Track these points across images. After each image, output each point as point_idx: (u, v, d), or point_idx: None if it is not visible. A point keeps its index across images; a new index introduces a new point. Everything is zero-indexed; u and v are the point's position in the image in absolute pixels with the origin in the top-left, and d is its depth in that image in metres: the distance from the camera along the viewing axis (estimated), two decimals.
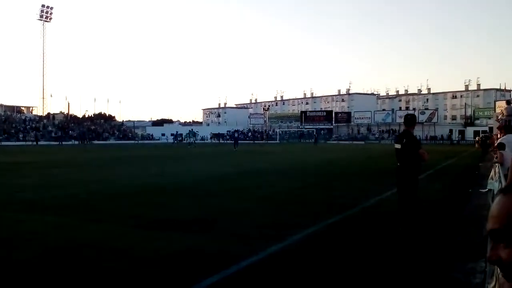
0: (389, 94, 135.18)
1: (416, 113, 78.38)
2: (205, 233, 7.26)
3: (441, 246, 6.47)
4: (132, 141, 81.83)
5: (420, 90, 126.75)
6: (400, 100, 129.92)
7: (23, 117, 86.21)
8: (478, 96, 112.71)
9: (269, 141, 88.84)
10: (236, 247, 6.26)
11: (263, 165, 22.82)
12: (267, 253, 5.97)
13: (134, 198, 11.03)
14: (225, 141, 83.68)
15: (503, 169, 7.84)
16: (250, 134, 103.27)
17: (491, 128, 60.49)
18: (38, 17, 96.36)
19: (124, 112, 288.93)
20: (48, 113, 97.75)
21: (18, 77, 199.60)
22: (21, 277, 5.01)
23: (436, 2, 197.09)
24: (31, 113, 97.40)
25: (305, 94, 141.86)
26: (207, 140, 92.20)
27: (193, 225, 7.83)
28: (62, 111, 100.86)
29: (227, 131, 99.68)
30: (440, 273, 5.27)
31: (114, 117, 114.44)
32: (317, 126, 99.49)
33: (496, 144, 9.47)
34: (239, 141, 53.15)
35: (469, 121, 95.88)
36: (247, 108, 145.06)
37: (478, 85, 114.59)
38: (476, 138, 58.32)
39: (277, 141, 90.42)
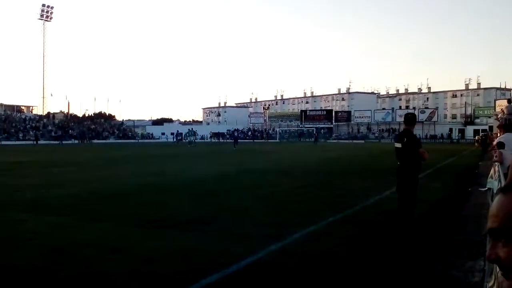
0: (389, 93, 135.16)
1: (416, 112, 78.41)
2: (205, 232, 7.27)
3: (440, 245, 6.47)
4: (132, 140, 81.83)
5: (420, 89, 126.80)
6: (400, 99, 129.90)
7: (23, 117, 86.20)
8: (478, 95, 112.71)
9: (269, 140, 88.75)
10: (236, 246, 6.27)
11: (263, 164, 22.82)
12: (267, 252, 5.98)
13: (134, 197, 11.04)
14: (225, 140, 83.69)
15: (502, 168, 7.84)
16: (250, 133, 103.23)
17: (491, 127, 60.42)
18: (39, 16, 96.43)
19: (124, 111, 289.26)
20: (48, 113, 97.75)
21: (18, 76, 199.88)
22: (22, 277, 5.02)
23: (436, 1, 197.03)
24: (31, 112, 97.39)
25: (305, 93, 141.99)
26: (207, 139, 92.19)
27: (193, 224, 7.84)
28: (62, 111, 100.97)
29: (227, 130, 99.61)
30: (439, 272, 5.27)
31: (114, 116, 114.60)
32: (317, 125, 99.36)
33: (495, 143, 9.47)
34: (239, 140, 53.12)
35: (469, 120, 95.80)
36: (247, 107, 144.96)
37: (478, 84, 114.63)
38: (476, 137, 58.30)
39: (277, 140, 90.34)
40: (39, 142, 66.14)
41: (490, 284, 3.24)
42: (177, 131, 71.95)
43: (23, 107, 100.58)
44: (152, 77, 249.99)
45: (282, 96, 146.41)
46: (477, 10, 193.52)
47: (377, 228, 7.65)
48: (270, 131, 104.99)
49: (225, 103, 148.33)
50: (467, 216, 8.78)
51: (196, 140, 63.08)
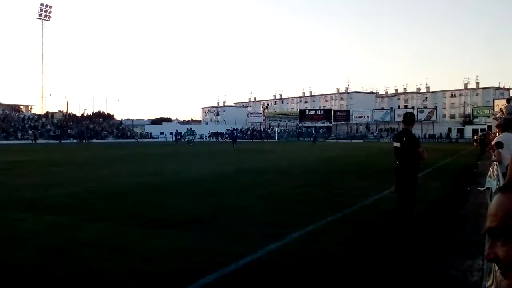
0: (388, 92, 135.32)
1: (415, 112, 78.38)
2: (204, 231, 7.27)
3: (439, 244, 6.48)
4: (131, 140, 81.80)
5: (419, 89, 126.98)
6: (399, 99, 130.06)
7: (21, 116, 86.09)
8: (477, 94, 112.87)
9: (268, 140, 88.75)
10: (235, 246, 6.27)
11: (262, 164, 22.82)
12: (267, 251, 5.98)
13: (133, 196, 11.03)
14: (224, 140, 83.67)
15: (501, 168, 7.86)
16: (249, 132, 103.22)
17: (489, 127, 60.56)
18: (37, 16, 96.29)
19: (123, 110, 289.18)
20: (47, 112, 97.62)
21: (17, 75, 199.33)
22: (21, 276, 5.01)
23: (435, 1, 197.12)
24: (30, 111, 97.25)
25: (304, 92, 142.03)
26: (205, 139, 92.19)
27: (192, 223, 7.84)
28: (61, 110, 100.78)
29: (226, 129, 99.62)
30: (438, 271, 5.28)
31: (113, 115, 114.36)
32: (316, 125, 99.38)
33: (493, 143, 9.49)
34: (237, 140, 53.13)
35: (468, 119, 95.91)
36: (246, 106, 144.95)
37: (477, 83, 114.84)
38: (475, 136, 58.39)
39: (276, 140, 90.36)
40: (37, 141, 66.12)
41: (489, 283, 3.25)
42: (177, 130, 71.94)
43: (21, 107, 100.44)
44: (151, 76, 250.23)
45: (281, 95, 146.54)
46: (476, 10, 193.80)
47: (376, 227, 7.66)
48: (269, 130, 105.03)
49: (224, 102, 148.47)
50: (466, 215, 8.79)
51: (195, 140, 63.13)
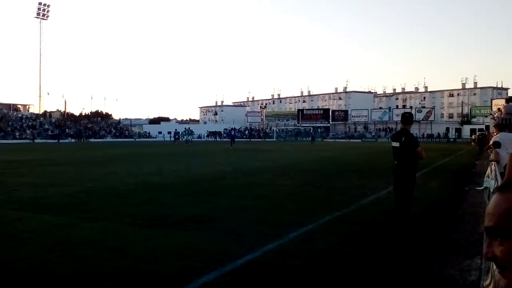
0: (386, 92, 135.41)
1: (413, 111, 78.42)
2: (202, 231, 7.28)
3: (437, 244, 6.49)
4: (130, 139, 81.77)
5: (417, 88, 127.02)
6: (397, 99, 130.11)
7: (19, 115, 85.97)
8: (475, 94, 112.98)
9: (266, 139, 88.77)
10: (234, 245, 6.27)
11: (260, 163, 22.83)
12: (265, 251, 5.99)
13: (131, 196, 11.02)
14: (221, 139, 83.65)
15: (499, 167, 7.88)
16: (247, 132, 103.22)
17: (487, 126, 60.58)
18: (35, 15, 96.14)
19: (121, 110, 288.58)
20: (45, 111, 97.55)
21: (14, 75, 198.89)
22: (20, 276, 5.01)
23: (434, 0, 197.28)
24: (28, 111, 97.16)
25: (302, 92, 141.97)
26: (203, 138, 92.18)
27: (191, 223, 7.84)
28: (59, 109, 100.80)
29: (224, 129, 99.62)
30: (436, 271, 5.29)
31: (111, 115, 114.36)
32: (314, 124, 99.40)
33: (491, 143, 9.51)
34: (235, 139, 53.13)
35: (466, 119, 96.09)
36: (244, 106, 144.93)
37: (475, 83, 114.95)
38: (473, 136, 58.48)
39: (274, 139, 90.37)
40: (35, 140, 66.05)
41: (487, 282, 3.27)
42: (175, 130, 71.89)
43: (19, 106, 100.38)
44: (149, 75, 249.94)
45: (279, 95, 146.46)
46: (474, 10, 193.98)
47: (374, 227, 7.67)
48: (267, 130, 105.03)
49: (222, 102, 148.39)
50: (464, 215, 8.80)
51: (193, 139, 63.15)
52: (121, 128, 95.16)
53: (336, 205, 9.75)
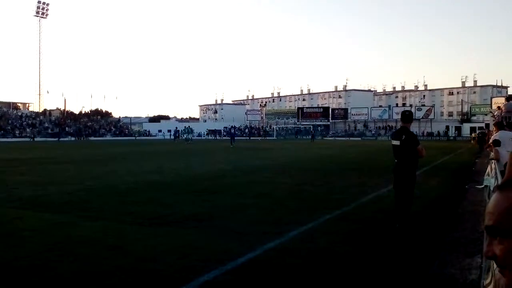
0: (386, 90, 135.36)
1: (413, 110, 78.47)
2: (202, 229, 7.27)
3: (437, 242, 6.50)
4: (130, 138, 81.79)
5: (417, 87, 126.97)
6: (396, 97, 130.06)
7: (19, 114, 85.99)
8: (474, 92, 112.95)
9: (266, 138, 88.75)
10: (234, 244, 6.27)
11: (260, 162, 22.83)
12: (265, 249, 5.99)
13: (131, 194, 11.03)
14: (221, 138, 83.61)
15: (499, 166, 7.89)
16: (247, 130, 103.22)
17: (487, 125, 60.62)
18: (34, 13, 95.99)
19: (120, 108, 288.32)
20: (45, 110, 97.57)
21: (14, 73, 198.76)
22: (20, 274, 5.01)
23: None
24: (28, 109, 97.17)
25: (302, 90, 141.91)
26: (203, 136, 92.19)
27: (191, 221, 7.84)
28: (59, 108, 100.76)
29: (224, 127, 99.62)
30: (436, 269, 5.30)
31: (110, 113, 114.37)
32: (314, 123, 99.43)
33: (491, 141, 9.51)
34: (235, 138, 53.14)
35: (466, 117, 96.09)
36: (244, 104, 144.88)
37: (475, 81, 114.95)
38: (472, 134, 58.50)
39: (274, 138, 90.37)
40: (35, 139, 66.05)
41: (487, 281, 3.27)
42: (176, 128, 71.96)
43: (19, 104, 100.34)
44: (149, 74, 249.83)
45: (279, 93, 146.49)
46: (473, 8, 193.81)
47: (374, 225, 7.67)
48: (267, 128, 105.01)
49: (222, 100, 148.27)
50: (464, 213, 8.80)
51: (192, 138, 63.18)
52: (121, 127, 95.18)
53: (336, 203, 9.75)
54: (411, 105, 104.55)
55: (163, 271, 5.08)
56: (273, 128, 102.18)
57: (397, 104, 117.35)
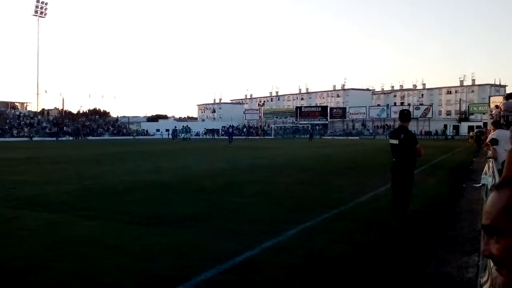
0: (384, 89, 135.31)
1: (411, 109, 78.64)
2: (200, 228, 7.26)
3: (434, 241, 6.50)
4: (128, 137, 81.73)
5: (415, 86, 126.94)
6: (395, 96, 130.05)
7: (17, 113, 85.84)
8: (472, 91, 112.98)
9: (265, 137, 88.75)
10: (231, 243, 6.27)
11: (258, 161, 22.83)
12: (262, 248, 5.99)
13: (129, 194, 11.01)
14: (219, 137, 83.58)
15: (497, 164, 7.89)
16: (245, 129, 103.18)
17: (485, 124, 60.69)
18: (33, 12, 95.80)
19: (118, 108, 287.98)
20: (43, 109, 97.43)
21: (12, 72, 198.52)
22: (17, 274, 5.00)
23: None
24: (26, 109, 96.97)
25: (300, 89, 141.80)
26: (201, 135, 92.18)
27: (189, 220, 7.83)
28: (57, 107, 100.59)
29: (222, 126, 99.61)
30: (433, 268, 5.30)
31: (108, 112, 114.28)
32: (312, 122, 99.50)
33: (488, 140, 9.53)
34: (233, 137, 53.15)
35: (464, 116, 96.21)
36: (242, 103, 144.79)
37: (473, 80, 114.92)
38: (470, 133, 58.57)
39: (272, 137, 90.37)
40: (33, 138, 65.96)
41: (484, 279, 3.27)
42: (175, 127, 71.97)
43: (17, 104, 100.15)
44: (147, 73, 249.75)
45: (277, 92, 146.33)
46: (472, 7, 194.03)
47: (372, 224, 7.67)
48: (265, 127, 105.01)
49: (220, 99, 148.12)
50: (461, 212, 8.82)
51: (190, 137, 63.20)
52: (119, 126, 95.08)
53: (334, 202, 9.75)
54: (409, 104, 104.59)
55: (161, 270, 5.08)
56: (271, 127, 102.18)
57: (395, 103, 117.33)
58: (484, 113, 73.35)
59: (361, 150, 35.84)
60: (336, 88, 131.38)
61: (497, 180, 5.96)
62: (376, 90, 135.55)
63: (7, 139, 64.84)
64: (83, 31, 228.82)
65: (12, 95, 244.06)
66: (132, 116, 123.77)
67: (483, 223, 1.04)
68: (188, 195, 10.85)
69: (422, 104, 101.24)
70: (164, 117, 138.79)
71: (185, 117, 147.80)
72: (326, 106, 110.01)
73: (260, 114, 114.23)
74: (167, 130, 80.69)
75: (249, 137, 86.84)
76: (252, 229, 7.16)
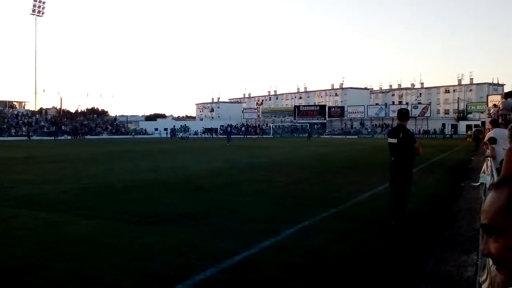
0: (382, 88, 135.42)
1: (409, 108, 78.83)
2: (199, 228, 7.26)
3: (433, 240, 6.51)
4: (127, 136, 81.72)
5: (413, 85, 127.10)
6: (393, 95, 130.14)
7: (15, 112, 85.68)
8: (470, 90, 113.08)
9: (263, 136, 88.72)
10: (230, 242, 6.27)
11: (257, 160, 22.82)
12: (261, 247, 5.99)
13: (127, 193, 11.00)
14: (217, 136, 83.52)
15: (495, 163, 7.90)
16: (243, 128, 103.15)
17: (483, 122, 60.76)
18: (31, 11, 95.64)
19: (117, 107, 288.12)
20: (41, 108, 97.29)
21: (10, 72, 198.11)
22: (15, 274, 4.99)
23: None
24: (24, 108, 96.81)
25: (298, 88, 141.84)
26: (199, 134, 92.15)
27: (187, 220, 7.83)
28: (55, 106, 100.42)
29: (221, 125, 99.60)
30: (432, 266, 5.31)
31: (107, 112, 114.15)
32: (311, 121, 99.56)
33: (486, 139, 9.53)
34: (232, 136, 53.12)
35: (462, 115, 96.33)
36: (240, 102, 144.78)
37: (471, 79, 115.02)
38: (468, 132, 58.64)
39: (271, 136, 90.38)
40: (32, 138, 65.86)
41: (483, 278, 3.27)
42: (174, 126, 71.98)
43: (15, 103, 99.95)
44: (145, 72, 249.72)
45: (275, 91, 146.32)
46: (470, 6, 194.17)
47: (370, 223, 7.68)
48: (263, 126, 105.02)
49: (219, 98, 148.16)
50: (460, 210, 8.83)
51: (189, 136, 63.19)
52: (117, 125, 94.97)
53: (333, 201, 9.76)
54: (407, 103, 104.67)
55: (159, 269, 5.07)
56: (270, 126, 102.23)
57: (393, 102, 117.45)
58: (482, 112, 73.46)
59: (359, 149, 35.86)
60: (335, 87, 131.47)
61: (495, 179, 5.97)
62: (374, 89, 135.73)
63: (5, 138, 64.72)
64: (81, 30, 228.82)
65: (10, 94, 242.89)
66: (130, 115, 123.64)
67: (481, 222, 1.04)
68: (186, 194, 10.84)
69: (420, 103, 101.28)
70: (163, 116, 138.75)
71: (183, 116, 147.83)
72: (325, 105, 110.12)
73: (258, 113, 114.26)
74: (166, 129, 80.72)
75: (248, 136, 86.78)
76: (251, 228, 7.16)
